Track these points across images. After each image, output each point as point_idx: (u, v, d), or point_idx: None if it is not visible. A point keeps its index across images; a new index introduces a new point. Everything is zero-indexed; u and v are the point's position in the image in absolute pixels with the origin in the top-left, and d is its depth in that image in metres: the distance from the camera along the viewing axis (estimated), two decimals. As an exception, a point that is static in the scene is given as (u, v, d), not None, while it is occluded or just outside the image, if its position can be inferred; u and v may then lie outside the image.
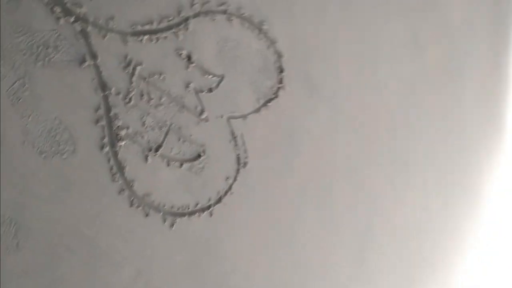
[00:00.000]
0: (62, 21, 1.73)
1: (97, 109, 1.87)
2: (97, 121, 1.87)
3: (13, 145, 1.62)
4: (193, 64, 2.19)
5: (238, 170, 2.42)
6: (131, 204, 1.97)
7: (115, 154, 1.92)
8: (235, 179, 2.40)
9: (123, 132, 1.94)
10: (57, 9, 1.72)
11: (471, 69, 3.85)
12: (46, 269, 1.72)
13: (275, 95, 2.60)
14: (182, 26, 2.15)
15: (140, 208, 2.00)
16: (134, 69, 1.96)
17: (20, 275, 1.66)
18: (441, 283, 3.55)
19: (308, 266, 2.78)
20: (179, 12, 2.14)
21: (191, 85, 2.20)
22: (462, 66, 3.76)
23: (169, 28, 2.11)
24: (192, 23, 2.18)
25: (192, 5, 2.18)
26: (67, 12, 1.75)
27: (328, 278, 2.83)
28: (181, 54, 2.15)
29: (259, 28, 2.49)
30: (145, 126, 2.02)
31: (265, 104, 2.56)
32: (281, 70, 2.62)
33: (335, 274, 2.90)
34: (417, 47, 3.41)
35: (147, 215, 2.03)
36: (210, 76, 2.29)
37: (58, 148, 1.75)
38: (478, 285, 3.79)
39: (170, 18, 2.10)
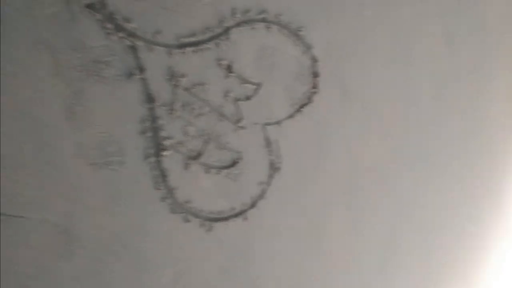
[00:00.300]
0: (113, 37, 1.78)
1: (143, 120, 1.94)
2: (143, 132, 1.94)
3: (66, 158, 1.71)
4: (233, 74, 2.22)
5: (271, 175, 2.48)
6: (172, 211, 2.06)
7: (159, 163, 2.00)
8: (268, 184, 2.46)
9: (167, 142, 2.01)
10: (109, 25, 1.77)
11: (505, 69, 3.78)
12: (95, 275, 1.84)
13: (309, 100, 2.63)
14: (223, 36, 2.18)
15: (181, 214, 2.09)
16: (178, 80, 2.01)
17: (72, 281, 1.77)
18: (465, 282, 3.62)
19: (335, 264, 2.87)
20: (221, 23, 2.16)
21: (231, 94, 2.25)
22: (495, 66, 3.70)
23: (211, 38, 2.14)
24: (233, 33, 2.20)
25: (233, 15, 2.19)
26: (118, 28, 1.80)
27: (355, 274, 2.92)
28: (222, 64, 2.18)
29: (296, 34, 2.50)
30: (187, 135, 2.09)
31: (299, 109, 2.59)
32: (315, 75, 2.64)
33: (361, 271, 2.98)
34: (451, 47, 3.36)
35: (187, 221, 2.11)
36: (248, 85, 2.32)
37: (108, 160, 1.84)
38: (502, 284, 3.84)
39: (212, 29, 2.12)
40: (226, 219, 2.31)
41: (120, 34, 1.81)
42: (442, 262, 3.45)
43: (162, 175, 2.04)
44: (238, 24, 2.24)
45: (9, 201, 1.61)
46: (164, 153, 2.02)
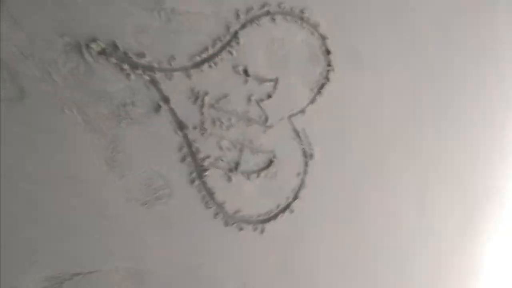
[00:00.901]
0: (132, 76, 1.75)
1: (180, 148, 1.94)
2: (183, 159, 1.95)
3: (119, 206, 1.74)
4: (250, 77, 2.19)
5: (306, 163, 2.51)
6: (226, 224, 2.11)
7: (204, 184, 2.02)
8: (305, 173, 2.50)
9: (206, 162, 2.03)
10: (125, 66, 1.73)
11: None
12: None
13: (327, 80, 2.59)
14: (233, 42, 2.13)
15: (234, 225, 2.15)
16: (202, 100, 1.99)
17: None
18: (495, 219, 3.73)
19: (376, 231, 2.96)
20: (228, 29, 2.10)
21: (253, 97, 2.23)
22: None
23: (222, 48, 2.09)
24: (241, 35, 2.14)
25: (237, 17, 2.13)
26: (134, 66, 1.76)
27: (394, 234, 3.02)
28: (238, 70, 2.14)
29: (300, 17, 2.43)
30: (223, 149, 2.10)
31: (318, 91, 2.57)
32: (328, 52, 2.59)
33: (400, 229, 3.08)
34: (461, 13, 3.26)
35: (241, 229, 2.17)
36: (267, 83, 2.29)
37: (157, 195, 1.87)
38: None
39: (221, 38, 2.06)
40: (275, 217, 2.36)
41: (138, 71, 1.78)
42: (475, 209, 3.54)
43: (209, 194, 2.08)
44: (244, 25, 2.17)
45: (80, 260, 1.66)
46: (206, 173, 2.04)
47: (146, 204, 1.82)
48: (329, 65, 2.61)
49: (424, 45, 3.07)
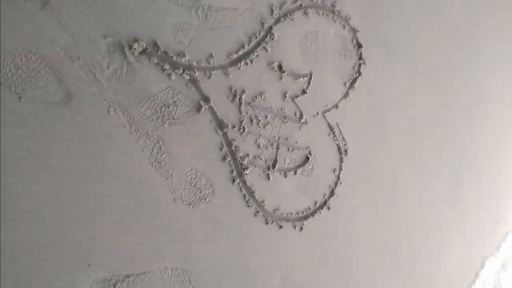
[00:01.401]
0: (173, 76, 1.73)
1: (221, 147, 1.93)
2: (223, 159, 1.93)
3: (167, 206, 1.74)
4: (285, 73, 2.16)
5: (341, 159, 2.47)
6: (266, 222, 2.09)
7: (244, 182, 2.00)
8: (340, 169, 2.46)
9: (245, 161, 2.01)
10: (166, 66, 1.72)
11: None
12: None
13: (358, 73, 2.55)
14: (268, 37, 2.10)
15: (274, 223, 2.12)
16: (240, 98, 1.97)
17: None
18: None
19: (410, 223, 2.90)
20: (262, 24, 2.07)
21: (288, 94, 2.20)
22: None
23: (258, 44, 2.07)
24: (275, 30, 2.12)
25: (272, 12, 2.10)
26: (174, 66, 1.75)
27: (426, 225, 2.96)
28: (273, 67, 2.12)
29: (332, 10, 2.39)
30: (260, 147, 2.07)
31: (351, 86, 2.53)
32: (359, 46, 2.55)
33: (431, 221, 3.02)
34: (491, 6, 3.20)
35: (280, 227, 2.15)
36: (301, 78, 2.26)
37: (201, 194, 1.85)
38: None
39: (257, 34, 2.04)
40: (313, 214, 2.34)
41: (179, 71, 1.76)
42: (505, 196, 3.46)
43: (249, 193, 2.06)
44: (278, 20, 2.15)
45: (131, 261, 1.66)
46: (246, 171, 2.02)
47: (190, 203, 1.81)
48: (360, 58, 2.57)
49: (455, 35, 3.01)
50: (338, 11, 2.39)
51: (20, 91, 1.41)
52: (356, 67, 2.56)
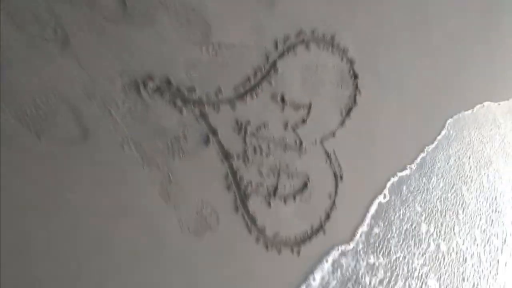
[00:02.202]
0: (184, 111, 1.79)
1: (226, 176, 1.99)
2: (228, 188, 2.00)
3: (173, 237, 1.79)
4: (287, 104, 2.25)
5: (337, 185, 2.57)
6: (266, 248, 2.17)
7: (247, 211, 2.07)
8: (336, 194, 2.56)
9: (249, 190, 2.08)
10: (178, 102, 1.78)
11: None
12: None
13: (354, 103, 2.66)
14: (272, 71, 2.18)
15: (274, 248, 2.20)
16: (245, 130, 2.04)
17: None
18: None
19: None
20: (267, 59, 2.15)
21: (289, 124, 2.28)
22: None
23: (263, 78, 2.15)
24: (279, 64, 2.20)
25: (276, 47, 2.18)
26: (186, 101, 1.81)
27: None
28: (276, 99, 2.20)
29: (331, 43, 2.49)
30: (263, 175, 2.15)
31: (347, 114, 2.64)
32: (355, 77, 2.66)
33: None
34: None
35: (279, 252, 2.22)
36: (301, 109, 2.35)
37: (207, 224, 1.92)
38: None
39: (262, 68, 2.12)
40: (309, 238, 2.42)
41: (189, 106, 1.82)
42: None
43: (251, 220, 2.13)
44: (282, 55, 2.23)
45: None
46: (250, 201, 2.09)
47: (196, 232, 1.87)
48: (356, 87, 2.69)
49: (437, 56, 3.18)
50: (337, 43, 2.49)
51: (40, 131, 1.44)
52: (352, 96, 2.67)
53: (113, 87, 1.61)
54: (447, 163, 3.38)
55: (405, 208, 3.01)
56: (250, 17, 2.10)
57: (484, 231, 3.47)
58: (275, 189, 2.27)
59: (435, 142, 3.30)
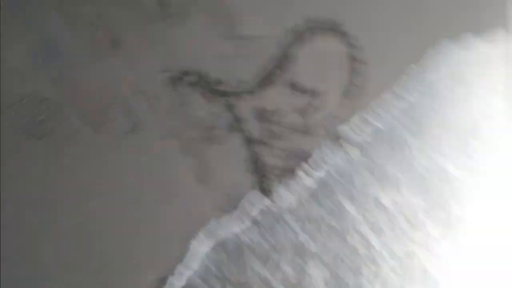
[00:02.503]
0: (213, 102, 2.00)
1: (250, 160, 2.21)
2: (252, 171, 2.22)
3: (207, 214, 2.00)
4: (301, 91, 2.46)
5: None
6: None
7: (269, 191, 2.31)
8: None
9: (270, 173, 2.31)
10: (208, 93, 1.98)
11: None
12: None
13: (362, 87, 2.89)
14: (287, 59, 2.37)
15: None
16: (265, 117, 2.25)
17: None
18: None
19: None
20: (282, 48, 2.34)
21: (305, 110, 2.50)
22: None
23: (279, 67, 2.34)
24: (291, 52, 2.39)
25: (289, 35, 2.36)
26: (214, 93, 2.01)
27: None
28: (292, 86, 2.41)
29: (338, 29, 2.68)
30: (282, 159, 2.38)
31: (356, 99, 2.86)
32: (362, 63, 2.86)
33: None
34: None
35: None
36: (314, 95, 2.57)
37: (234, 204, 2.14)
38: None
39: (278, 57, 2.31)
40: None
41: (217, 97, 2.01)
42: None
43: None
44: (294, 43, 2.42)
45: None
46: (271, 183, 2.32)
47: (227, 211, 2.10)
48: (362, 74, 2.91)
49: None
50: (345, 31, 2.68)
51: (96, 126, 1.60)
52: (360, 82, 2.90)
53: (155, 83, 1.77)
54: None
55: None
56: (266, 10, 2.27)
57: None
58: (293, 171, 2.50)
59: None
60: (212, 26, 1.92)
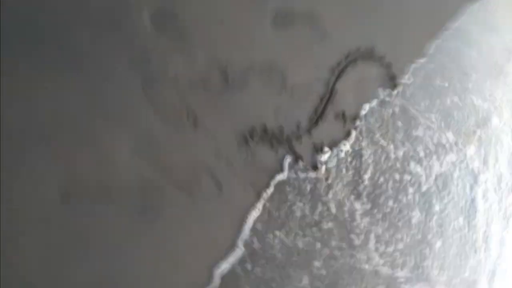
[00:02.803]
0: (278, 150, 2.25)
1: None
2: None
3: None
4: (347, 119, 2.68)
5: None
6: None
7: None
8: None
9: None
10: (274, 143, 2.23)
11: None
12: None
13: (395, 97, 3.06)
14: (332, 95, 2.59)
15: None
16: (321, 149, 2.49)
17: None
18: None
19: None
20: (328, 85, 2.57)
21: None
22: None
23: (326, 103, 2.56)
24: (337, 87, 2.61)
25: (332, 73, 2.58)
26: (278, 141, 2.27)
27: None
28: (338, 116, 2.63)
29: (373, 56, 2.87)
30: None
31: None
32: (394, 78, 3.05)
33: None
34: None
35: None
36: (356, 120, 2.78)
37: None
38: None
39: (324, 95, 2.54)
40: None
41: (281, 144, 2.27)
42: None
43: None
44: (337, 78, 2.64)
45: None
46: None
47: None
48: (395, 86, 3.09)
49: None
50: (377, 55, 2.87)
51: (188, 190, 1.91)
52: (393, 94, 3.08)
53: (231, 144, 2.06)
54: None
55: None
56: (309, 56, 2.50)
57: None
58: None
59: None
60: (268, 84, 2.17)
